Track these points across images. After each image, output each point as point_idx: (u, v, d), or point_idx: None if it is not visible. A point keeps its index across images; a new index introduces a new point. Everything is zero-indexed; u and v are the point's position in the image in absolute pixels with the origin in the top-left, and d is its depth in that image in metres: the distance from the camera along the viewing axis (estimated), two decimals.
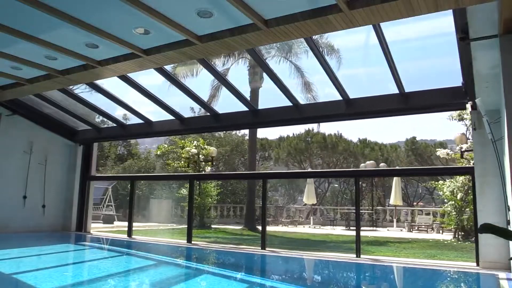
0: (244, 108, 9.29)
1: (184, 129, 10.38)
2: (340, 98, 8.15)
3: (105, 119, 11.63)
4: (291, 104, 8.65)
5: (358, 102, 8.14)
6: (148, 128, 10.86)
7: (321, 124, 23.63)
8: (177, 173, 18.80)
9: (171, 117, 10.20)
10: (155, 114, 10.73)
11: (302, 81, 19.51)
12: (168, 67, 8.75)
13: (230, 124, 10.18)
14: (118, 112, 11.45)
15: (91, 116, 11.90)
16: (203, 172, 18.41)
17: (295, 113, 8.77)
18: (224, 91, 23.49)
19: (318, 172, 9.33)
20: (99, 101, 10.68)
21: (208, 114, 9.82)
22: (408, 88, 7.52)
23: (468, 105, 7.06)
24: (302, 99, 9.53)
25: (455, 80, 7.04)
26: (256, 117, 9.34)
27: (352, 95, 8.07)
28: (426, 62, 7.90)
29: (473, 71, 5.91)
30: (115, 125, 11.61)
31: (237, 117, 9.69)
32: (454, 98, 7.25)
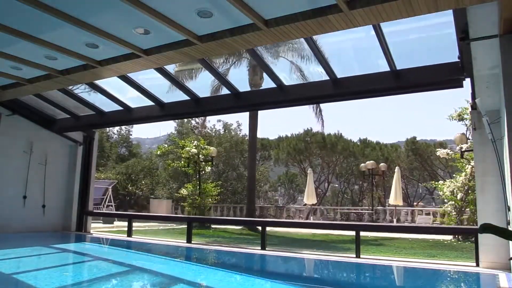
0: (226, 92, 8.91)
1: (164, 115, 9.97)
2: (327, 77, 7.64)
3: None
4: (275, 85, 8.21)
5: (346, 81, 7.63)
6: (127, 115, 10.46)
7: (320, 123, 23.47)
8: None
9: (151, 103, 9.77)
10: (134, 100, 10.26)
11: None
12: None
13: (211, 109, 9.66)
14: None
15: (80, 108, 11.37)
16: (201, 176, 18.41)
17: (279, 95, 8.32)
18: (225, 91, 23.49)
19: (319, 224, 9.12)
20: (76, 88, 10.40)
21: (189, 98, 9.30)
22: (400, 65, 6.93)
23: (466, 82, 6.59)
24: (286, 79, 8.78)
25: (451, 55, 6.41)
26: (238, 100, 8.87)
27: (339, 74, 7.53)
28: (419, 36, 7.35)
29: (473, 71, 5.91)
30: (93, 112, 11.06)
31: (219, 101, 9.31)
32: (450, 75, 6.70)
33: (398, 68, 6.99)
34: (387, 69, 7.01)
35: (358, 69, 7.62)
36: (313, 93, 8.20)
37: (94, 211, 12.73)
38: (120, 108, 10.42)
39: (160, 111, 9.83)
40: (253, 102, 9.04)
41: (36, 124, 11.42)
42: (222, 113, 10.09)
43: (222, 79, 8.80)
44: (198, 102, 9.33)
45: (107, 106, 10.65)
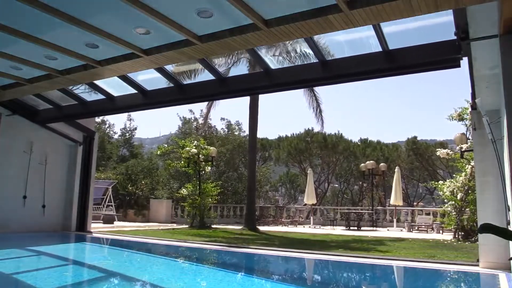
0: (211, 77, 8.57)
1: (147, 103, 9.66)
2: (315, 59, 7.24)
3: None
4: (261, 69, 7.87)
5: (336, 63, 7.22)
6: (110, 104, 10.18)
7: (319, 123, 23.26)
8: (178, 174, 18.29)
9: (134, 91, 9.45)
10: (115, 88, 9.87)
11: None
12: None
13: (196, 95, 9.23)
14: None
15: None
16: (202, 172, 18.40)
17: (266, 79, 7.99)
18: None
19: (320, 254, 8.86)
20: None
21: (172, 85, 8.94)
22: (392, 45, 6.44)
23: (463, 61, 6.12)
24: (273, 62, 8.21)
25: (447, 33, 5.83)
26: (223, 86, 8.55)
27: (328, 55, 7.14)
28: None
29: (473, 71, 5.90)
30: (76, 102, 10.72)
31: (203, 87, 8.99)
32: (446, 54, 6.21)
33: (390, 48, 6.54)
34: (379, 49, 6.56)
35: (348, 50, 7.14)
36: (301, 76, 7.86)
37: (95, 235, 12.61)
38: (103, 97, 10.08)
39: (143, 99, 9.51)
40: (239, 87, 8.68)
41: (19, 115, 11.12)
42: (206, 100, 9.63)
43: (205, 63, 8.40)
44: (182, 89, 8.99)
45: (89, 95, 10.37)
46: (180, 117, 30.32)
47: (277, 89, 8.46)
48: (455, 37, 5.66)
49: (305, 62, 7.88)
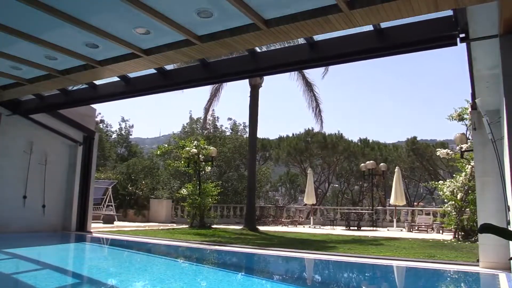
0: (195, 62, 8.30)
1: (130, 90, 9.32)
2: (302, 40, 6.88)
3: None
4: (246, 53, 7.63)
5: (324, 44, 6.83)
6: (92, 93, 9.86)
7: (319, 123, 23.13)
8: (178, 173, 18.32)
9: (116, 78, 9.09)
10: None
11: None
12: None
13: (180, 81, 8.87)
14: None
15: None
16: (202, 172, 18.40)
17: (250, 63, 7.70)
18: (224, 91, 23.37)
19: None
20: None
21: (155, 71, 8.66)
22: (384, 23, 6.01)
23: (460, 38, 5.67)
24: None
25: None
26: (207, 71, 8.25)
27: (316, 36, 6.69)
28: None
29: (473, 71, 5.91)
30: (58, 92, 10.27)
31: (187, 72, 8.77)
32: (442, 30, 5.82)
33: (382, 26, 6.17)
34: (370, 27, 6.19)
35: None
36: (288, 59, 7.51)
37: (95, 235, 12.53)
38: (85, 85, 9.73)
39: (125, 87, 9.22)
40: (223, 72, 8.36)
41: (5, 108, 10.86)
42: (191, 86, 9.18)
43: None
44: (165, 75, 8.72)
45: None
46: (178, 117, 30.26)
47: (263, 72, 8.23)
48: (451, 13, 5.36)
49: (292, 44, 7.59)
